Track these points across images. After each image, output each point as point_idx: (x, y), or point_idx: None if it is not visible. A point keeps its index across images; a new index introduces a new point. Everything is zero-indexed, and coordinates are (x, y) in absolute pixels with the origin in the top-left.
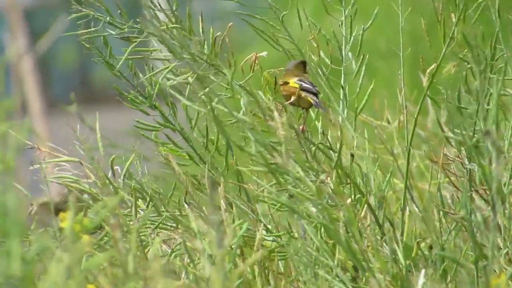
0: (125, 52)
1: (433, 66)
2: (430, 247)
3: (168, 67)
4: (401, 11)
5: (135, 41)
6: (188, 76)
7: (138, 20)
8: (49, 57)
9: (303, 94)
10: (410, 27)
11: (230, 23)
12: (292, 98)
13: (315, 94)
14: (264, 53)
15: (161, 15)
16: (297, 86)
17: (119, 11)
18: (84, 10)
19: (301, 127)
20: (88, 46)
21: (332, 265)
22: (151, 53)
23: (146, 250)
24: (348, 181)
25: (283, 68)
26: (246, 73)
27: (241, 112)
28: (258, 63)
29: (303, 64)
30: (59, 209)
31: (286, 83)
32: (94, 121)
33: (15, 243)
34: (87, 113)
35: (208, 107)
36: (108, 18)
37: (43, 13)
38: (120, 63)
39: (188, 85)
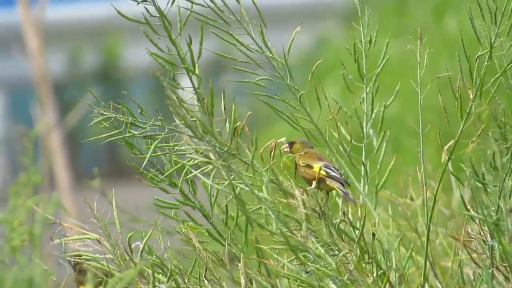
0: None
1: (451, 142)
2: None
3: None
4: (420, 89)
5: (157, 138)
6: (210, 158)
7: (160, 117)
8: (78, 131)
9: (329, 181)
10: (438, 103)
11: (249, 112)
12: (314, 184)
13: (343, 184)
14: (283, 139)
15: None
16: (323, 173)
17: (139, 111)
18: (106, 113)
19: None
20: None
21: None
22: (173, 148)
23: None
24: (370, 257)
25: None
26: (266, 158)
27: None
28: (278, 149)
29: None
30: (79, 281)
31: (310, 166)
32: (118, 196)
33: None
34: (115, 187)
35: (230, 186)
36: (130, 119)
37: (73, 87)
38: (145, 162)
39: (210, 165)
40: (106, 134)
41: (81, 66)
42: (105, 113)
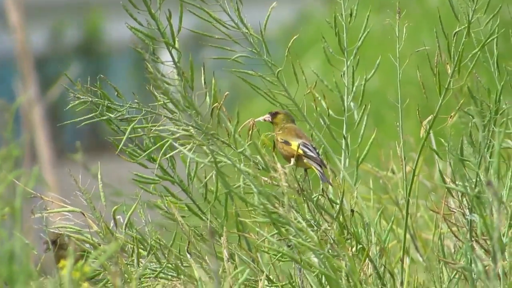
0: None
1: (430, 117)
2: None
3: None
4: (399, 62)
5: (135, 120)
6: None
7: (136, 100)
8: (59, 105)
9: (306, 160)
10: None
11: (227, 92)
12: (292, 161)
13: (320, 165)
14: (261, 118)
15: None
16: (301, 152)
17: (116, 93)
18: (82, 97)
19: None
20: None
21: None
22: (151, 129)
23: None
24: (349, 233)
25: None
26: (244, 136)
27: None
28: (256, 128)
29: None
30: (60, 255)
31: (288, 143)
32: (99, 170)
33: None
34: (97, 161)
35: (211, 159)
36: (106, 103)
37: (55, 61)
38: (122, 143)
39: (191, 138)
40: (83, 118)
41: (63, 40)
42: (81, 97)
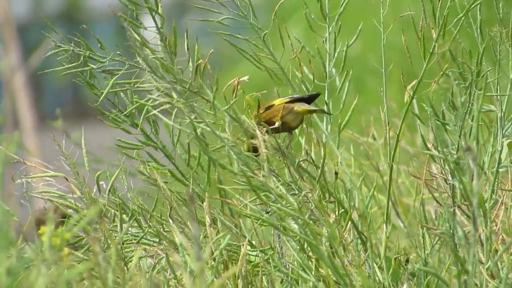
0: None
1: (414, 82)
2: (407, 261)
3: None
4: (382, 28)
5: (117, 74)
6: (172, 97)
7: (119, 53)
8: (41, 72)
9: (296, 106)
10: (401, 43)
11: (212, 50)
12: (277, 124)
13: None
14: (246, 78)
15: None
16: (286, 100)
17: (99, 45)
18: (63, 46)
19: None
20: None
21: (314, 280)
22: (134, 85)
23: (129, 265)
24: (332, 197)
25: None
26: (228, 97)
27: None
28: (241, 88)
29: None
30: (41, 222)
31: (270, 107)
32: (81, 136)
33: (1, 256)
34: (78, 128)
35: (191, 126)
36: (88, 53)
37: (36, 28)
38: (102, 96)
39: (171, 105)
40: (64, 67)
41: (45, 7)
42: (63, 46)
